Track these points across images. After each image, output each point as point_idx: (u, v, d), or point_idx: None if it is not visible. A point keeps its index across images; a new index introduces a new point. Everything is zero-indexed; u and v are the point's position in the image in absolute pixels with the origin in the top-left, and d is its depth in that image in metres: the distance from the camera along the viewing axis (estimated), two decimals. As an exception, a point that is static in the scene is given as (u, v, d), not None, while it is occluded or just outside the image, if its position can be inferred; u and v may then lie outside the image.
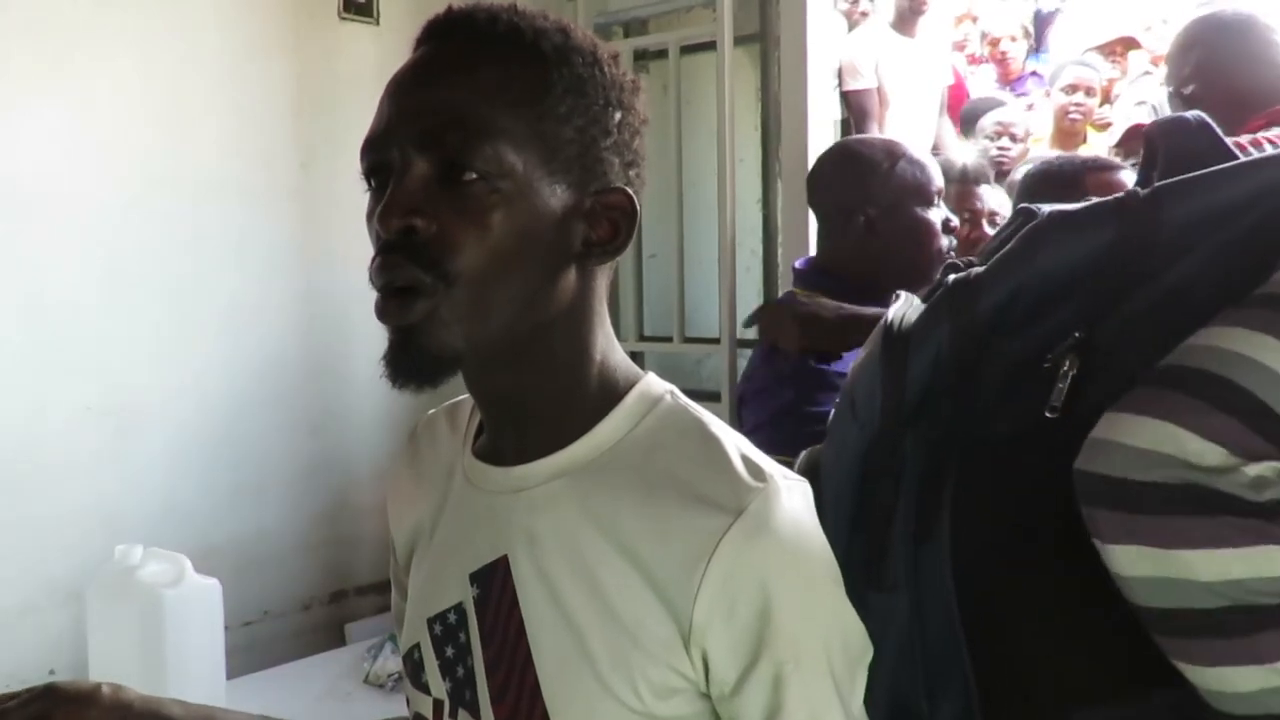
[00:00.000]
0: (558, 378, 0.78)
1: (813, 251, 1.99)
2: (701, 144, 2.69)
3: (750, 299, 2.79)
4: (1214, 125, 0.96)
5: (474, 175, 0.72)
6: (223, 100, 2.31)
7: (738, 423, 1.81)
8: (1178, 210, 0.86)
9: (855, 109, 3.41)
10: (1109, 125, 3.69)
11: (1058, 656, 0.87)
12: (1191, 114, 0.98)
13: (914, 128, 3.47)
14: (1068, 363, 0.85)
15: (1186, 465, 0.76)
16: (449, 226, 0.72)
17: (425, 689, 0.85)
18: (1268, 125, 1.71)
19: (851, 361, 1.08)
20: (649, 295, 2.93)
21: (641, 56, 2.89)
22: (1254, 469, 0.75)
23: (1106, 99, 3.85)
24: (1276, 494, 0.75)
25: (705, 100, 2.68)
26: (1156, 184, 0.89)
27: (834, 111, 3.07)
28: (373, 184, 0.76)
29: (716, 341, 2.59)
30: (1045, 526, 0.85)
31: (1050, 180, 1.72)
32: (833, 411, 1.05)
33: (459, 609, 0.82)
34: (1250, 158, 0.91)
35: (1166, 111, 2.21)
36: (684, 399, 0.81)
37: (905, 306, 0.98)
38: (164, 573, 1.76)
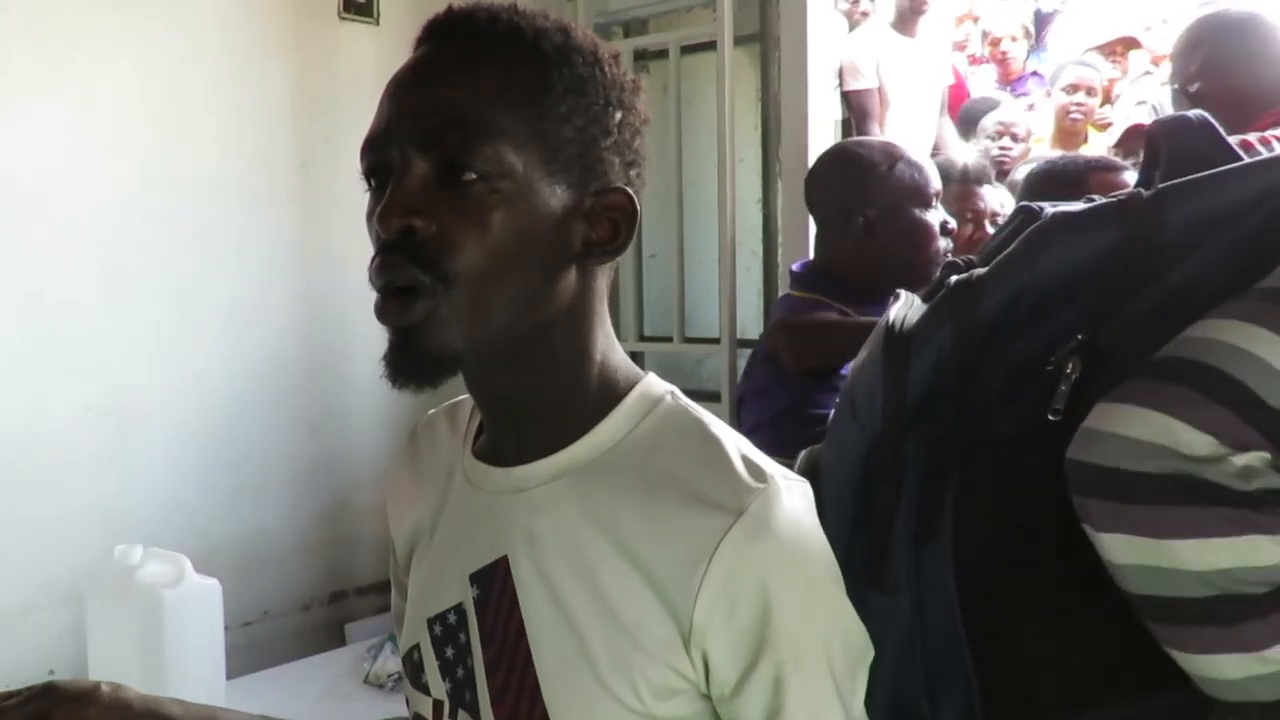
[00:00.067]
0: (558, 378, 0.78)
1: (813, 252, 1.99)
2: (701, 144, 2.69)
3: (750, 299, 2.79)
4: (1216, 124, 0.95)
5: (474, 175, 0.72)
6: (223, 100, 2.30)
7: (737, 423, 1.81)
8: (1183, 211, 0.86)
9: (856, 109, 3.40)
10: (1110, 125, 3.69)
11: (1059, 657, 0.87)
12: (1194, 113, 0.98)
13: (915, 128, 3.47)
14: (1070, 365, 0.85)
15: (1178, 456, 0.76)
16: (449, 227, 0.72)
17: (425, 689, 0.85)
18: (1276, 123, 1.72)
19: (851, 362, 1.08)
20: (649, 295, 2.93)
21: (641, 56, 2.89)
22: (1242, 459, 0.76)
23: (1107, 99, 3.85)
24: (1264, 483, 0.76)
25: (705, 100, 2.67)
26: (1160, 185, 0.89)
27: (834, 111, 3.06)
28: (372, 184, 0.76)
29: (716, 341, 2.59)
30: (1047, 528, 0.86)
31: (1054, 180, 1.72)
32: (832, 412, 1.05)
33: (459, 609, 0.82)
34: (1258, 158, 0.91)
35: (1168, 110, 2.21)
36: (684, 399, 0.80)
37: (906, 307, 0.97)
38: (164, 573, 1.76)
